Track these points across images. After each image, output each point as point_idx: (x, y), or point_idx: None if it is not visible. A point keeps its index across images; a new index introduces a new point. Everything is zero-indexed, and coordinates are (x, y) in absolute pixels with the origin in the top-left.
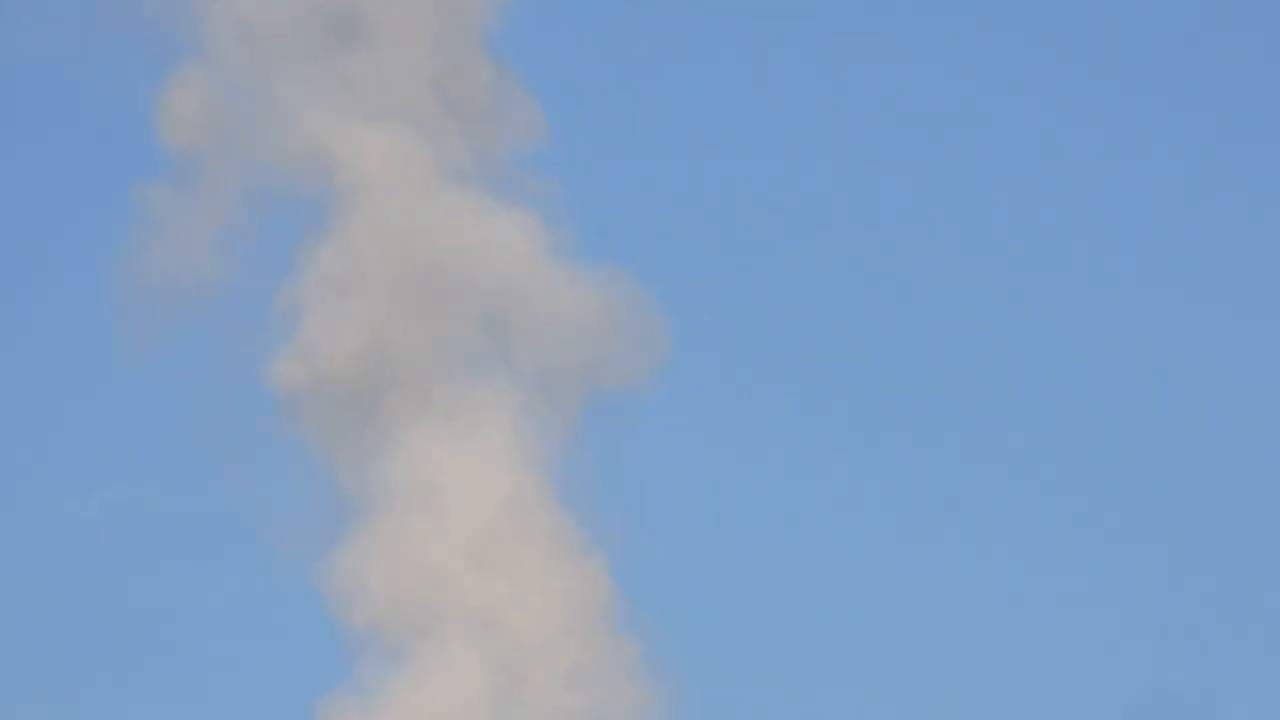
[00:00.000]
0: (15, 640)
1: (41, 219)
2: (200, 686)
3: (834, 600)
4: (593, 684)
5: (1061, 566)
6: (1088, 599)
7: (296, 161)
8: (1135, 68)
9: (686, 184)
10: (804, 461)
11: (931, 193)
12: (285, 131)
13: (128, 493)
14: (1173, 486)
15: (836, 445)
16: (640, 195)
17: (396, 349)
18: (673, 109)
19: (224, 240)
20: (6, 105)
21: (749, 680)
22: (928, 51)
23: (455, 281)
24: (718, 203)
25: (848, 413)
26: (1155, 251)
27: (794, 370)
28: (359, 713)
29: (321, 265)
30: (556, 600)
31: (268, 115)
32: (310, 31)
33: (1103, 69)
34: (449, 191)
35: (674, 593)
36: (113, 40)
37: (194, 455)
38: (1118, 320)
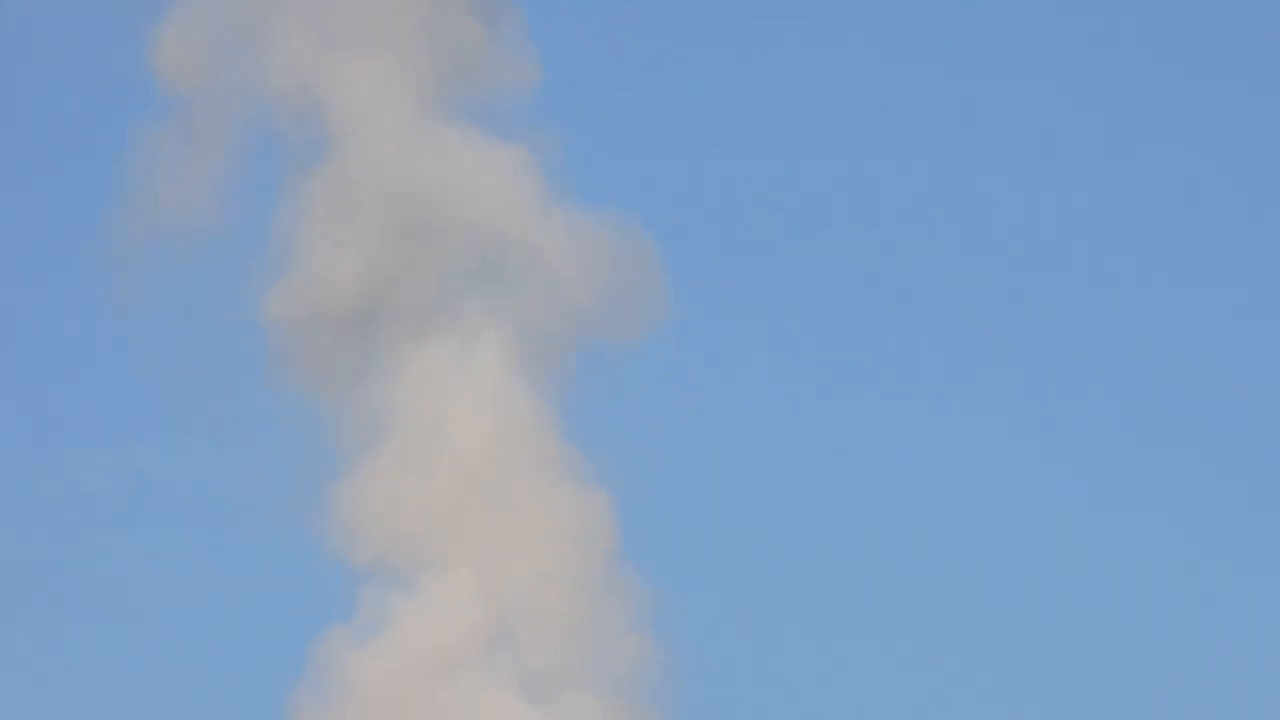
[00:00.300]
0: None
1: (35, 163)
2: (199, 635)
3: (831, 562)
4: (592, 621)
5: (1050, 532)
6: (1077, 576)
7: (289, 98)
8: (1135, 61)
9: (690, 136)
10: (801, 424)
11: (934, 148)
12: (278, 68)
13: (127, 450)
14: (1176, 482)
15: (835, 408)
16: (643, 145)
17: (392, 284)
18: (677, 59)
19: (218, 179)
20: None
21: (741, 629)
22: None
23: (449, 217)
24: (723, 157)
25: (848, 376)
26: (1157, 245)
27: (792, 331)
28: (354, 650)
29: (314, 201)
30: (556, 535)
31: (261, 52)
32: None
33: (1105, 61)
34: (442, 127)
35: (667, 545)
36: None
37: (193, 404)
38: (1117, 313)
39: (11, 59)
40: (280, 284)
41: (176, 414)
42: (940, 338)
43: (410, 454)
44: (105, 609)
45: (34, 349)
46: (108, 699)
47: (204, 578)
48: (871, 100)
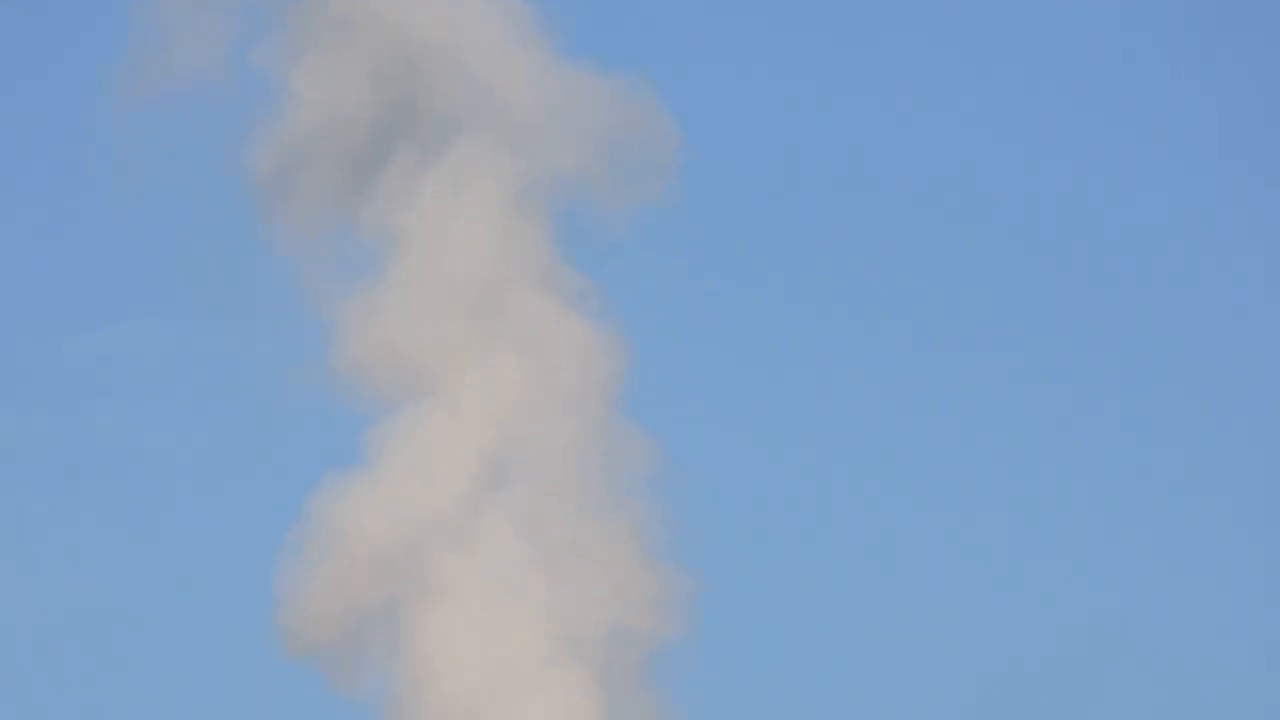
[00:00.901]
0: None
1: (39, 30)
2: (207, 501)
3: (835, 429)
4: (596, 454)
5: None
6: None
7: None
8: None
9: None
10: (807, 292)
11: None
12: None
13: (137, 323)
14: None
15: (846, 274)
16: (654, 10)
17: (388, 125)
18: None
19: (221, 29)
20: None
21: (740, 487)
22: None
23: (444, 60)
24: (737, 28)
25: (857, 241)
26: (1171, 164)
27: (802, 199)
28: (355, 490)
29: (312, 46)
30: (559, 362)
31: None
32: None
33: None
34: None
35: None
36: None
37: (194, 268)
38: (1120, 239)
39: None
40: (277, 128)
41: (178, 280)
42: (953, 203)
43: (411, 287)
44: (105, 480)
45: (34, 215)
46: (109, 572)
47: (206, 445)
48: None
